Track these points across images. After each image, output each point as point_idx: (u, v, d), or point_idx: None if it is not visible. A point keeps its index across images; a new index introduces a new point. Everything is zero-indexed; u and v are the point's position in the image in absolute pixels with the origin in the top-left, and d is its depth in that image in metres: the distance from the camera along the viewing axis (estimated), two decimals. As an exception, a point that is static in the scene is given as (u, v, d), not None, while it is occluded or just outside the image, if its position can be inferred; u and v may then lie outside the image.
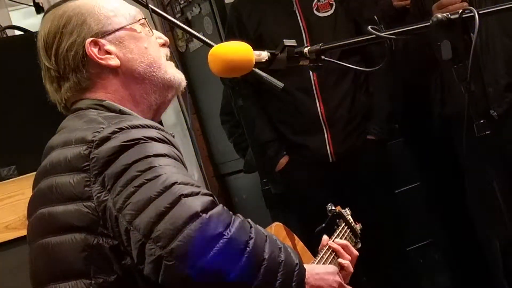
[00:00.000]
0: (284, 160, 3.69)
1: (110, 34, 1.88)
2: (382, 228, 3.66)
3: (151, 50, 1.93)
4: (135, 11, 1.96)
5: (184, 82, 1.99)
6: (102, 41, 1.86)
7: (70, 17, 1.87)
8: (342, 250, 2.27)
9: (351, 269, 2.25)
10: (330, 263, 2.22)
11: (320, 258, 2.21)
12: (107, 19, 1.89)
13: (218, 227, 1.54)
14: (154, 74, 1.90)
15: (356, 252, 2.32)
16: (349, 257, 2.27)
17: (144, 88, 1.90)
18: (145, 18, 1.97)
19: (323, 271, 1.96)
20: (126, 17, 1.93)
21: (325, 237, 2.32)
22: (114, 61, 1.86)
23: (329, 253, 2.25)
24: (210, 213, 1.55)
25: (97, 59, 1.85)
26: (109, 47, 1.87)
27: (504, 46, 3.18)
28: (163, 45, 1.99)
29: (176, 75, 1.96)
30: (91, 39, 1.85)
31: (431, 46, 3.09)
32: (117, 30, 1.89)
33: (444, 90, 3.37)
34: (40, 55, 1.90)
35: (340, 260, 2.25)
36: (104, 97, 1.86)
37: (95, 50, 1.85)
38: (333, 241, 2.30)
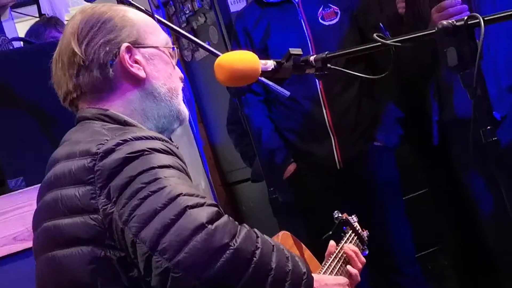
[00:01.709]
0: (291, 167, 3.69)
1: (145, 47, 1.90)
2: (390, 235, 3.66)
3: (174, 78, 1.96)
4: (168, 39, 1.99)
5: (186, 120, 2.01)
6: (136, 50, 1.88)
7: (112, 17, 1.89)
8: (355, 257, 2.28)
9: (359, 278, 2.25)
10: (338, 270, 2.22)
11: (328, 266, 2.21)
12: (145, 33, 1.92)
13: (224, 237, 1.54)
14: (172, 100, 1.92)
15: (363, 260, 2.32)
16: (360, 266, 2.28)
17: (158, 109, 1.91)
18: (176, 47, 2.00)
19: (333, 282, 1.95)
20: (161, 40, 1.95)
21: (332, 243, 2.32)
22: (142, 73, 1.88)
23: (337, 260, 2.25)
24: (215, 224, 1.55)
25: (127, 64, 1.86)
26: (139, 57, 1.88)
27: (504, 47, 3.17)
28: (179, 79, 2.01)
29: (185, 110, 1.99)
30: (127, 44, 1.87)
31: (427, 50, 3.09)
32: (152, 47, 1.92)
33: (441, 96, 3.37)
34: (67, 38, 1.89)
35: (349, 267, 2.25)
36: (110, 105, 1.86)
37: (127, 56, 1.87)
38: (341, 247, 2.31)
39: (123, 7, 1.97)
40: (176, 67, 1.99)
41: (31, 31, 4.15)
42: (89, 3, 2.96)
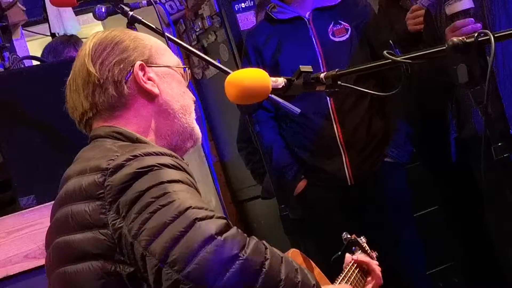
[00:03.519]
0: (302, 184, 3.68)
1: (157, 66, 1.94)
2: (401, 252, 3.65)
3: (187, 96, 2.00)
4: (179, 60, 2.03)
5: (200, 141, 2.03)
6: (149, 69, 1.92)
7: (124, 39, 1.94)
8: (369, 259, 2.37)
9: (381, 281, 2.33)
10: (354, 278, 2.27)
11: (345, 273, 2.26)
12: (157, 54, 1.96)
13: (233, 249, 1.56)
14: (185, 117, 1.96)
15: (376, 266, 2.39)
16: (378, 267, 2.36)
17: (171, 126, 1.94)
18: (188, 67, 2.05)
19: None
20: (173, 61, 2.00)
21: (348, 255, 2.37)
22: (156, 89, 1.92)
23: (353, 269, 2.31)
24: (225, 235, 1.56)
25: (141, 81, 1.90)
26: (153, 75, 1.92)
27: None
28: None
29: (198, 131, 2.02)
30: (141, 62, 1.91)
31: (445, 70, 3.07)
32: (165, 66, 1.96)
33: (460, 113, 3.36)
34: (80, 61, 1.93)
35: (375, 268, 2.36)
36: (124, 123, 1.88)
37: (141, 73, 1.90)
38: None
39: (134, 31, 2.03)
40: (187, 89, 2.03)
41: (50, 48, 4.16)
42: (99, 21, 2.98)
